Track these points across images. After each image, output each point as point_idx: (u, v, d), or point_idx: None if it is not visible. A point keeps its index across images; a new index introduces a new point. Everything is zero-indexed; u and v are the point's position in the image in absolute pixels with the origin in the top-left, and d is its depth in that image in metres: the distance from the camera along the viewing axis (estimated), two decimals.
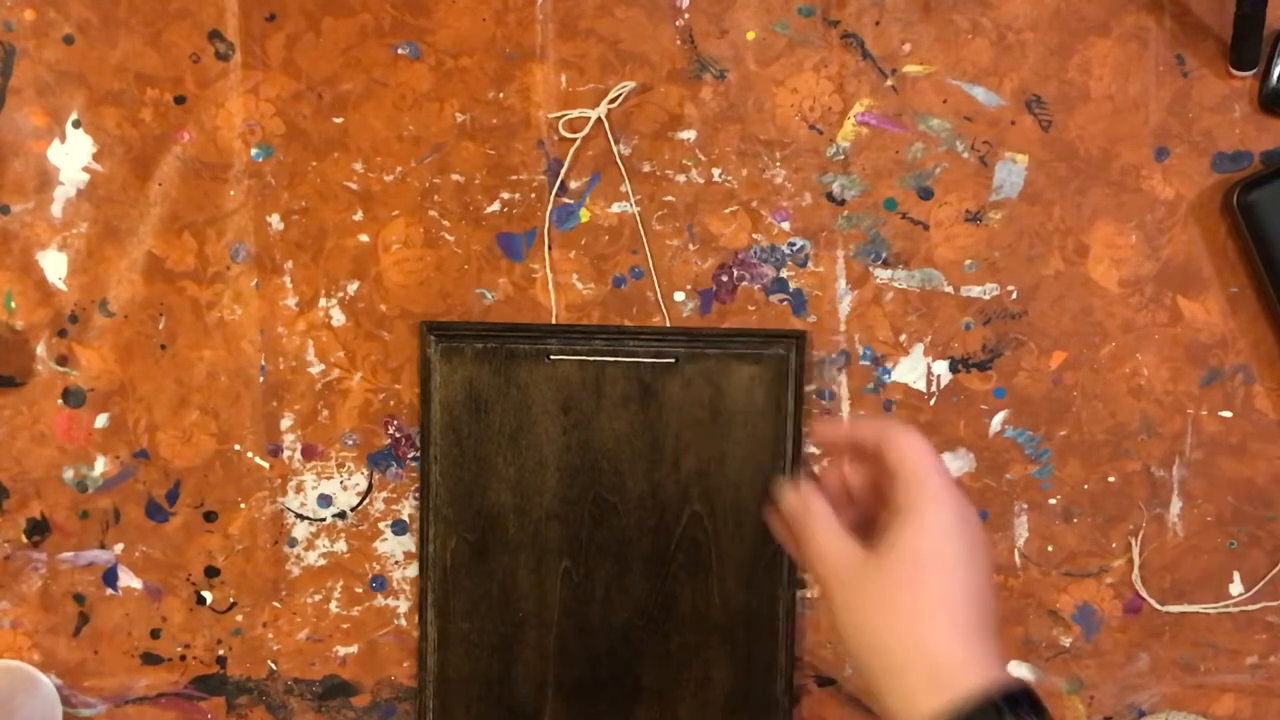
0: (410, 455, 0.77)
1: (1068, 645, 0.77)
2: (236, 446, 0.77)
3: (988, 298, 0.75)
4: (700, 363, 0.74)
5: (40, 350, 0.76)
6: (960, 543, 0.50)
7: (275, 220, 0.76)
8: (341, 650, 0.79)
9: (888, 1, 0.73)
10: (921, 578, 0.49)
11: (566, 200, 0.75)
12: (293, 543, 0.78)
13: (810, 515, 0.53)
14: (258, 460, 0.77)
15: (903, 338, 0.75)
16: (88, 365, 0.77)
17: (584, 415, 0.75)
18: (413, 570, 0.78)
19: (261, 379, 0.77)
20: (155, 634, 0.78)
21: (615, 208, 0.75)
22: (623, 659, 0.77)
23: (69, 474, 0.77)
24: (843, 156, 0.74)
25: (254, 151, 0.75)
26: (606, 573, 0.76)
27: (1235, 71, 0.72)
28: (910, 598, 0.49)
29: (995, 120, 0.74)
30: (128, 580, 0.78)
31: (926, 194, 0.74)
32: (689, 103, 0.74)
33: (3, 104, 0.75)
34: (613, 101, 0.74)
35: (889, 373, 0.75)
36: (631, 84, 0.74)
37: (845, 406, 0.76)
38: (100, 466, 0.77)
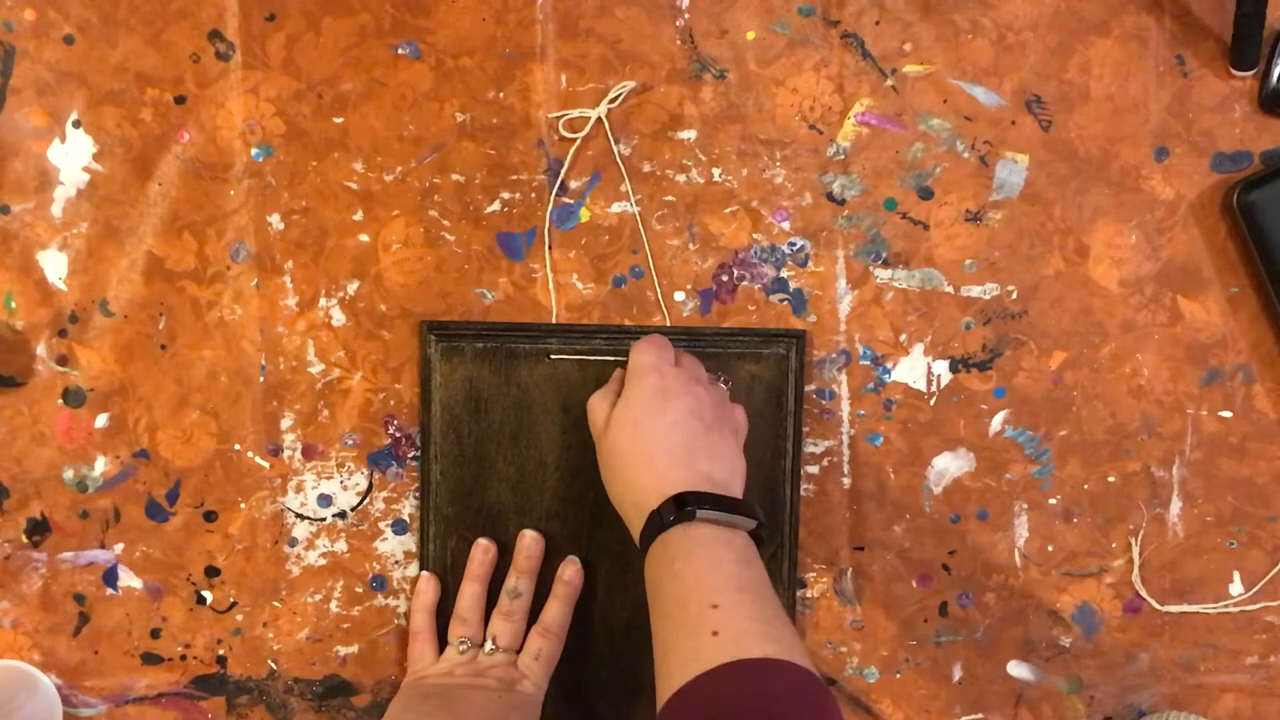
0: (410, 455, 0.77)
1: (1068, 645, 0.77)
2: (236, 446, 0.77)
3: (988, 298, 0.75)
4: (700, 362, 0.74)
5: (40, 350, 0.76)
6: (652, 405, 0.65)
7: (275, 220, 0.76)
8: (342, 650, 0.79)
9: (888, 1, 0.73)
10: (626, 440, 0.65)
11: (566, 200, 0.75)
12: (293, 542, 0.78)
13: (597, 394, 0.70)
14: (258, 460, 0.77)
15: (903, 337, 0.75)
16: (88, 365, 0.77)
17: (584, 415, 0.75)
18: (413, 570, 0.78)
19: (261, 379, 0.77)
20: (155, 634, 0.78)
21: (615, 207, 0.75)
22: (623, 659, 0.77)
23: (69, 474, 0.77)
24: (843, 156, 0.74)
25: (254, 151, 0.75)
26: (606, 573, 0.76)
27: (1235, 71, 0.72)
28: (619, 456, 0.66)
29: (995, 120, 0.74)
30: (128, 580, 0.78)
31: (926, 194, 0.74)
32: (689, 103, 0.74)
33: (3, 104, 0.75)
34: (613, 101, 0.74)
35: (889, 372, 0.75)
36: (631, 84, 0.74)
37: (845, 406, 0.76)
38: (100, 466, 0.77)
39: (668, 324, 0.75)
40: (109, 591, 0.78)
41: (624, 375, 0.70)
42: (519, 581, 0.74)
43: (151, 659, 0.79)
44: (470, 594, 0.74)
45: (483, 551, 0.74)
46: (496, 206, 0.76)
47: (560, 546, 0.75)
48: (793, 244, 0.75)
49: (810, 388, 0.76)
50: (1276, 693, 0.76)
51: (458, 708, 0.68)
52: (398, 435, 0.77)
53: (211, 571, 0.78)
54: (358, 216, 0.76)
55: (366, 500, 0.77)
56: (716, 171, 0.75)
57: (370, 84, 0.75)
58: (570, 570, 0.74)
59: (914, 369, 0.75)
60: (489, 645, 0.73)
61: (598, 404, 0.69)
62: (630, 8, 0.74)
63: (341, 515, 0.78)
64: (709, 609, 0.57)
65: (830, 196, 0.75)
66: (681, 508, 0.61)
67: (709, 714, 0.52)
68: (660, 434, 0.65)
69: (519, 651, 0.74)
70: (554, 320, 0.76)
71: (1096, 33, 0.73)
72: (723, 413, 0.68)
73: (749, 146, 0.75)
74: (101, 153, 0.75)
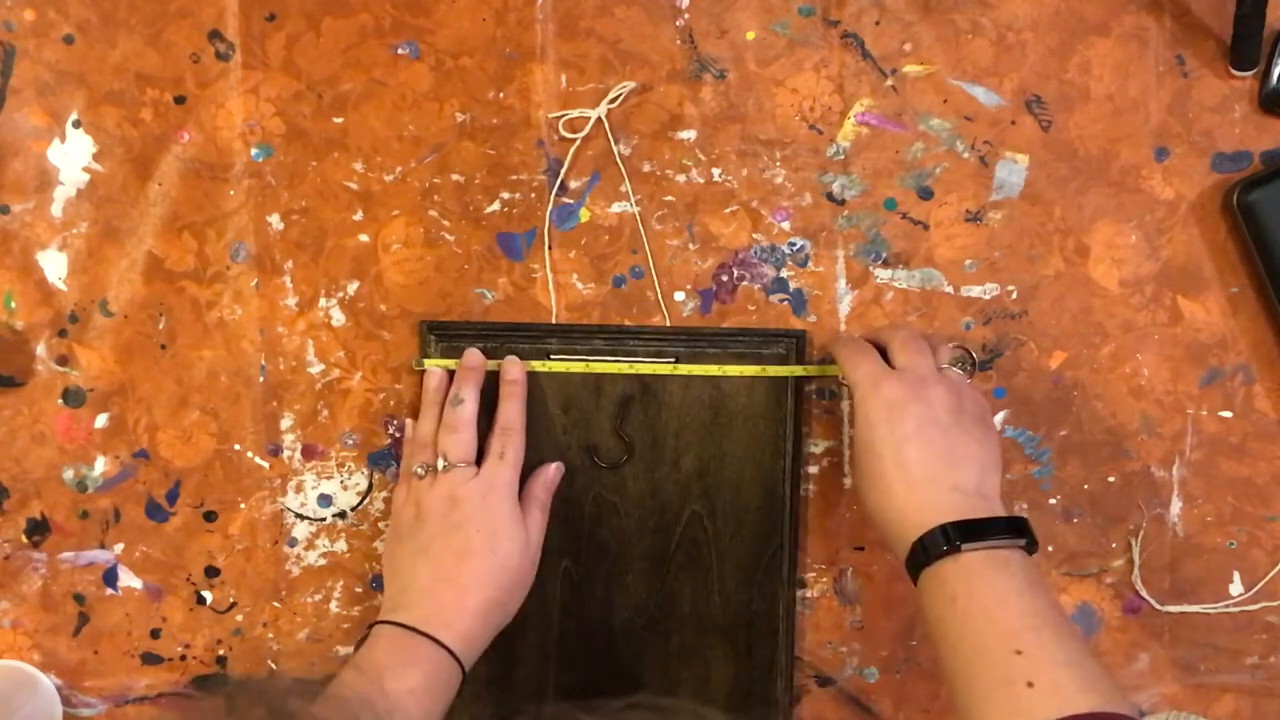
0: None
1: None
2: (236, 446, 0.77)
3: (988, 298, 0.75)
4: (700, 363, 0.74)
5: (40, 350, 0.76)
6: (880, 426, 0.64)
7: (275, 220, 0.76)
8: (342, 650, 0.79)
9: (888, 1, 0.73)
10: (866, 465, 0.65)
11: (566, 200, 0.75)
12: (293, 542, 0.78)
13: (851, 355, 0.69)
14: (258, 460, 0.77)
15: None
16: (88, 365, 0.77)
17: (584, 415, 0.75)
18: None
19: (261, 379, 0.77)
20: (155, 634, 0.78)
21: (615, 207, 0.75)
22: (623, 659, 0.77)
23: (69, 474, 0.77)
24: (843, 156, 0.74)
25: (254, 151, 0.75)
26: (606, 572, 0.76)
27: (1235, 71, 0.72)
28: (864, 480, 0.65)
29: (995, 120, 0.74)
30: (128, 580, 0.78)
31: (926, 194, 0.74)
32: (689, 103, 0.74)
33: (3, 104, 0.75)
34: (613, 101, 0.74)
35: None
36: (631, 84, 0.74)
37: (845, 407, 0.76)
38: (100, 466, 0.77)
39: (668, 324, 0.75)
40: (109, 591, 0.78)
41: (864, 359, 0.68)
42: (461, 391, 0.72)
43: (151, 659, 0.79)
44: (426, 419, 0.73)
45: (437, 379, 0.73)
46: (496, 206, 0.76)
47: (560, 547, 0.75)
48: (793, 244, 0.75)
49: (810, 388, 0.76)
50: (1276, 693, 0.76)
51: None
52: (398, 435, 0.77)
53: (211, 571, 0.78)
54: (358, 216, 0.76)
55: (366, 500, 0.77)
56: (716, 171, 0.75)
57: (370, 84, 0.75)
58: (514, 369, 0.73)
59: None
60: (441, 463, 0.70)
61: (860, 372, 0.67)
62: (630, 8, 0.74)
63: (341, 515, 0.78)
64: (1013, 655, 0.55)
65: (830, 196, 0.75)
66: (945, 538, 0.60)
67: None
68: (894, 455, 0.63)
69: (479, 465, 0.71)
70: (554, 320, 0.76)
71: (1096, 33, 0.73)
72: (959, 403, 0.65)
73: (749, 146, 0.75)
74: (101, 153, 0.75)
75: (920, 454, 0.63)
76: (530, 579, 0.71)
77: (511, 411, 0.72)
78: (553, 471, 0.74)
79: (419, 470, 0.71)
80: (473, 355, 0.73)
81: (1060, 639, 0.56)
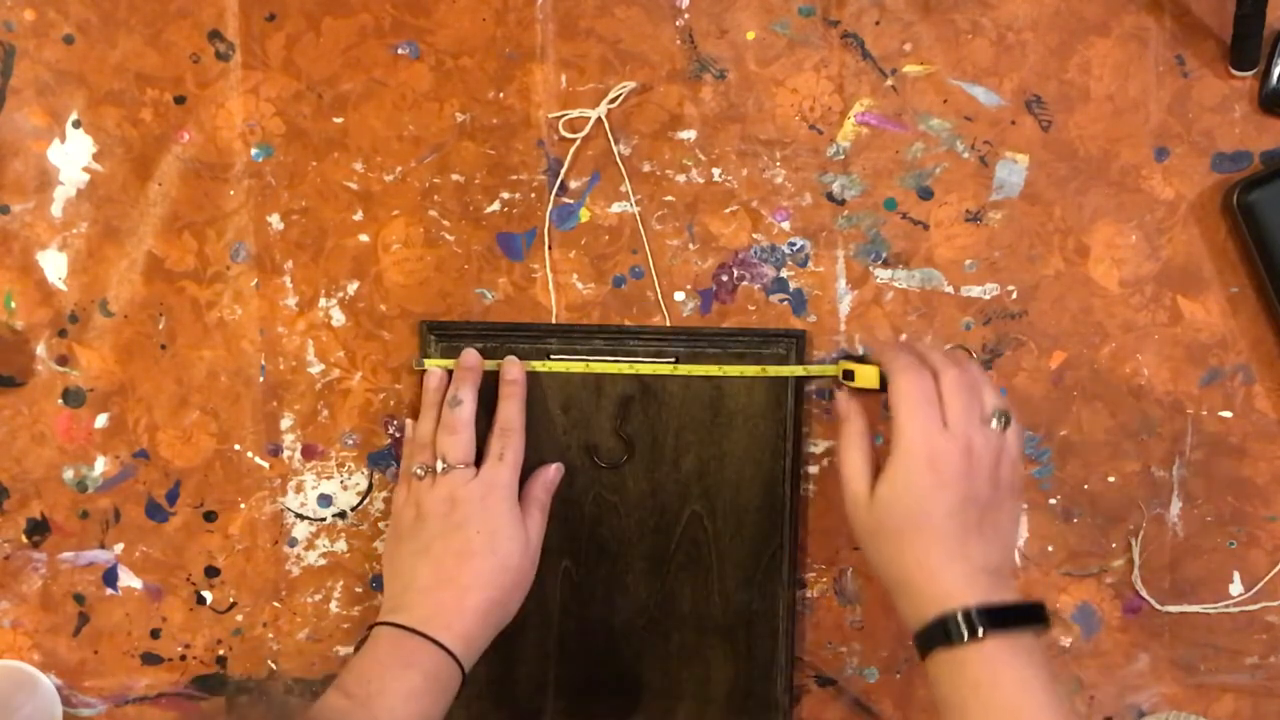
0: None
1: (1068, 645, 0.77)
2: (236, 446, 0.77)
3: (988, 298, 0.75)
4: (700, 363, 0.74)
5: (40, 350, 0.76)
6: (925, 495, 0.61)
7: (275, 220, 0.76)
8: (341, 650, 0.79)
9: (888, 1, 0.73)
10: (895, 529, 0.62)
11: (566, 200, 0.75)
12: (293, 542, 0.78)
13: (845, 428, 0.67)
14: (258, 460, 0.77)
15: (903, 337, 0.75)
16: (88, 365, 0.77)
17: (584, 415, 0.75)
18: None
19: (261, 379, 0.77)
20: (155, 634, 0.78)
21: (615, 208, 0.75)
22: (623, 659, 0.77)
23: (69, 474, 0.77)
24: (843, 156, 0.74)
25: (254, 151, 0.75)
26: (606, 572, 0.76)
27: (1235, 71, 0.72)
28: (889, 543, 0.63)
29: (995, 120, 0.74)
30: (128, 580, 0.78)
31: (926, 194, 0.74)
32: (689, 103, 0.74)
33: (3, 104, 0.75)
34: (613, 101, 0.74)
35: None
36: (631, 84, 0.74)
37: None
38: (100, 466, 0.77)
39: (668, 324, 0.75)
40: (109, 591, 0.78)
41: (858, 410, 0.67)
42: (459, 391, 0.71)
43: (151, 659, 0.79)
44: (426, 420, 0.73)
45: (436, 380, 0.73)
46: (496, 206, 0.76)
47: (560, 546, 0.75)
48: (793, 244, 0.75)
49: (810, 388, 0.76)
50: (1276, 693, 0.76)
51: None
52: (398, 435, 0.77)
53: (211, 571, 0.78)
54: (358, 216, 0.76)
55: (366, 500, 0.77)
56: (716, 171, 0.75)
57: (370, 84, 0.75)
58: (513, 369, 0.73)
59: None
60: (440, 465, 0.70)
61: (853, 459, 0.66)
62: (630, 8, 0.74)
63: (341, 515, 0.78)
64: None
65: (830, 196, 0.75)
66: (971, 622, 0.59)
67: None
68: (934, 528, 0.61)
69: (478, 465, 0.71)
70: (554, 320, 0.76)
71: (1096, 33, 0.73)
72: (999, 473, 0.63)
73: (749, 146, 0.75)
74: (101, 153, 0.75)
75: (957, 529, 0.61)
76: (530, 579, 0.70)
77: (511, 412, 0.72)
78: (552, 472, 0.74)
79: (418, 471, 0.71)
80: (470, 355, 0.73)
81: None
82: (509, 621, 0.70)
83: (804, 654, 0.77)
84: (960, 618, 0.59)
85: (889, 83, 0.74)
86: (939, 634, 0.60)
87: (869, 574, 0.76)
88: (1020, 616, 0.60)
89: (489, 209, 0.76)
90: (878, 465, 0.65)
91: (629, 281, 0.76)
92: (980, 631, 0.59)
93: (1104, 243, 0.74)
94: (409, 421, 0.75)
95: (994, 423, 0.64)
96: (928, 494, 0.62)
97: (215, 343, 0.76)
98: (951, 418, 0.63)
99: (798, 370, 0.74)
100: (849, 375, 0.72)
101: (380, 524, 0.78)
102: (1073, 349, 0.75)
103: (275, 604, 0.78)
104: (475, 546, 0.68)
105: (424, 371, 0.74)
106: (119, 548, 0.78)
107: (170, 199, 0.76)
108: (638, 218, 0.75)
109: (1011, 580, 0.64)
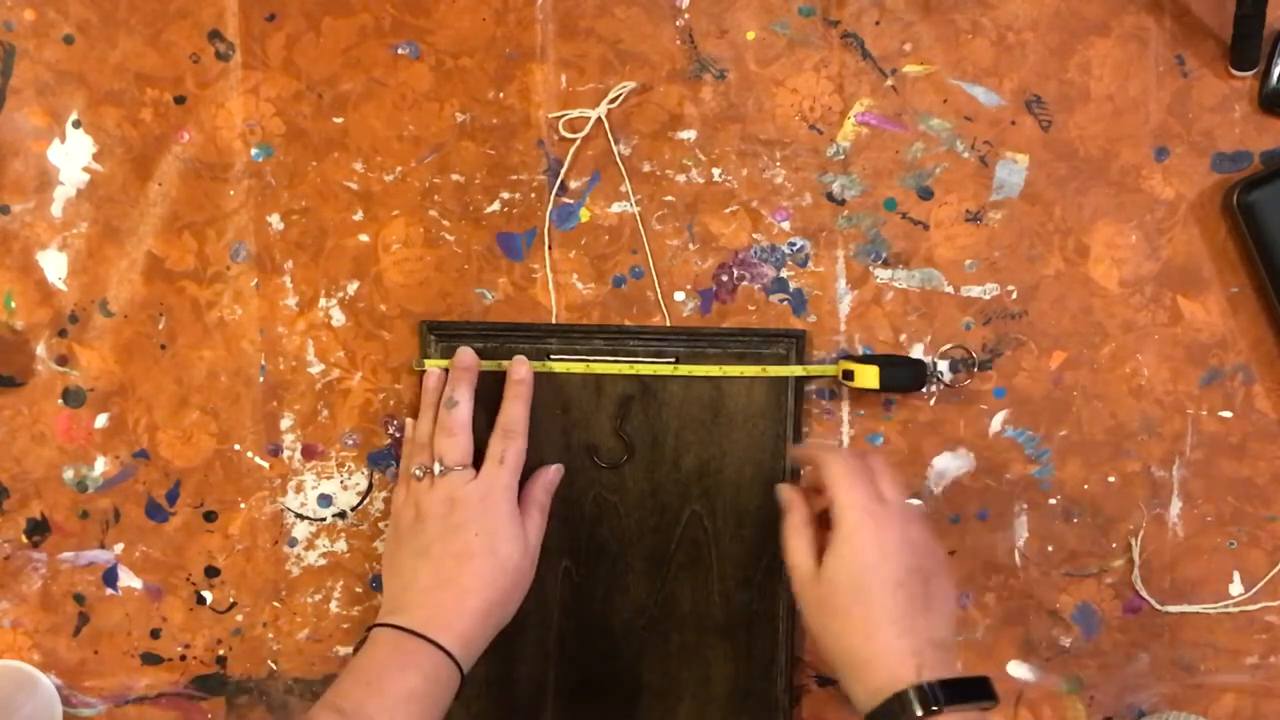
0: None
1: (1067, 645, 0.77)
2: (236, 446, 0.77)
3: (988, 298, 0.75)
4: (700, 363, 0.74)
5: (40, 350, 0.76)
6: (872, 565, 0.61)
7: (275, 220, 0.76)
8: (341, 650, 0.79)
9: (888, 1, 0.73)
10: (847, 601, 0.62)
11: (566, 200, 0.75)
12: (293, 542, 0.78)
13: (789, 517, 0.67)
14: (258, 460, 0.77)
15: (903, 337, 0.75)
16: (88, 365, 0.77)
17: (584, 415, 0.75)
18: None
19: (261, 379, 0.77)
20: (155, 634, 0.78)
21: (615, 208, 0.75)
22: (623, 659, 0.77)
23: (69, 474, 0.77)
24: (843, 156, 0.74)
25: (254, 151, 0.75)
26: (606, 572, 0.76)
27: (1235, 71, 0.72)
28: (836, 618, 0.62)
29: (995, 120, 0.74)
30: (128, 580, 0.78)
31: (926, 194, 0.74)
32: (689, 103, 0.74)
33: (3, 104, 0.75)
34: (613, 101, 0.74)
35: None
36: (631, 84, 0.74)
37: (845, 407, 0.76)
38: (100, 466, 0.77)
39: (668, 324, 0.75)
40: (109, 591, 0.78)
41: (800, 500, 0.67)
42: (455, 392, 0.71)
43: (151, 659, 0.79)
44: (424, 420, 0.72)
45: (435, 380, 0.73)
46: (496, 206, 0.76)
47: (560, 546, 0.75)
48: (793, 244, 0.75)
49: (810, 388, 0.76)
50: (1276, 693, 0.76)
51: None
52: (398, 435, 0.77)
53: (211, 571, 0.78)
54: (358, 216, 0.76)
55: (366, 500, 0.78)
56: (716, 171, 0.75)
57: (370, 84, 0.75)
58: (520, 369, 0.73)
59: None
60: (437, 467, 0.70)
61: (797, 546, 0.65)
62: (630, 8, 0.74)
63: (341, 515, 0.78)
64: None
65: (830, 196, 0.75)
66: (926, 698, 0.58)
67: None
68: (881, 600, 0.61)
69: (478, 466, 0.70)
70: (554, 320, 0.76)
71: (1096, 33, 0.73)
72: (934, 549, 0.64)
73: (749, 146, 0.75)
74: (101, 153, 0.75)
75: (905, 601, 0.61)
76: (529, 581, 0.70)
77: (515, 412, 0.72)
78: (552, 473, 0.74)
79: (417, 472, 0.71)
80: (465, 355, 0.73)
81: None
82: (508, 622, 0.70)
83: (804, 654, 0.77)
84: (914, 694, 0.58)
85: (889, 83, 0.74)
86: (895, 711, 0.59)
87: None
88: (972, 691, 0.60)
89: (489, 209, 0.76)
90: (822, 548, 0.64)
91: (629, 281, 0.76)
92: (937, 707, 0.58)
93: (1104, 243, 0.74)
94: (409, 421, 0.75)
95: (912, 500, 0.65)
96: (874, 564, 0.62)
97: (215, 343, 0.76)
98: (887, 493, 0.64)
99: (798, 370, 0.74)
100: (849, 375, 0.72)
101: (380, 524, 0.78)
102: (1073, 349, 0.75)
103: (275, 604, 0.78)
104: (475, 548, 0.68)
105: (424, 372, 0.74)
106: (119, 548, 0.78)
107: (170, 199, 0.76)
108: (638, 218, 0.75)
109: (957, 654, 0.63)
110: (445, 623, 0.66)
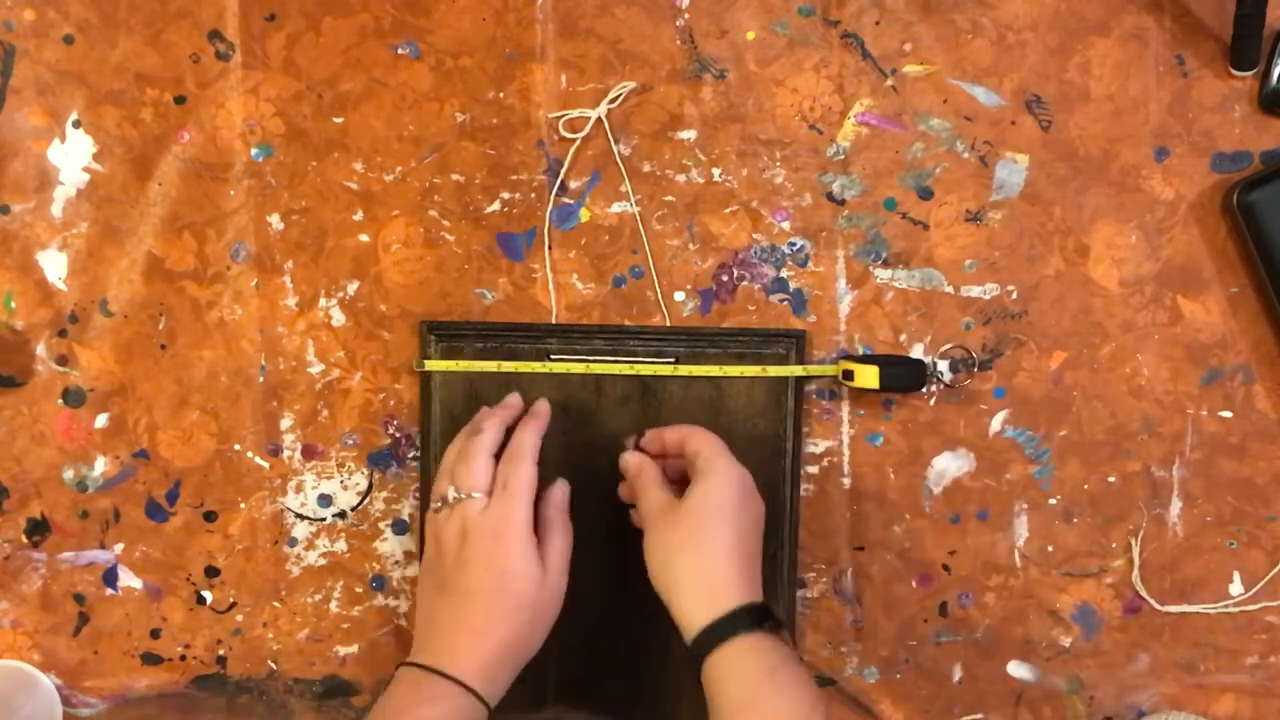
0: (410, 455, 0.77)
1: (1068, 645, 0.77)
2: (236, 446, 0.77)
3: (988, 298, 0.75)
4: (700, 363, 0.74)
5: (40, 350, 0.76)
6: (734, 500, 0.67)
7: (275, 220, 0.76)
8: (341, 650, 0.79)
9: (888, 1, 0.73)
10: (708, 524, 0.66)
11: (566, 200, 0.75)
12: (293, 542, 0.78)
13: (642, 474, 0.71)
14: (258, 460, 0.77)
15: (903, 337, 0.75)
16: (88, 365, 0.77)
17: (584, 415, 0.75)
18: (413, 570, 0.78)
19: (261, 379, 0.77)
20: (155, 634, 0.78)
21: (615, 208, 0.75)
22: (623, 659, 0.76)
23: (69, 474, 0.77)
24: (843, 156, 0.74)
25: (254, 151, 0.75)
26: (607, 572, 0.76)
27: (1235, 71, 0.72)
28: (699, 538, 0.66)
29: (995, 120, 0.74)
30: (128, 580, 0.78)
31: (926, 194, 0.74)
32: (689, 103, 0.74)
33: (3, 104, 0.75)
34: (613, 101, 0.74)
35: None
36: (631, 84, 0.74)
37: (845, 407, 0.76)
38: (100, 466, 0.77)
39: (668, 324, 0.75)
40: (109, 591, 0.78)
41: (647, 460, 0.71)
42: (484, 421, 0.70)
43: (151, 659, 0.79)
44: (451, 449, 0.71)
45: (483, 416, 0.72)
46: (496, 206, 0.76)
47: None
48: (793, 244, 0.75)
49: (810, 388, 0.76)
50: (1276, 693, 0.76)
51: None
52: (397, 435, 0.77)
53: (211, 571, 0.78)
54: (358, 216, 0.76)
55: (366, 500, 0.78)
56: (716, 171, 0.75)
57: (370, 84, 0.75)
58: (542, 405, 0.73)
59: None
60: (451, 493, 0.68)
61: (654, 490, 0.69)
62: (630, 8, 0.74)
63: (341, 515, 0.78)
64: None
65: (830, 196, 0.75)
66: (771, 614, 0.65)
67: None
68: (738, 530, 0.67)
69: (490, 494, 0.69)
70: (554, 320, 0.76)
71: (1096, 33, 0.73)
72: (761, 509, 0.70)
73: (749, 146, 0.75)
74: (101, 153, 0.75)
75: (754, 543, 0.68)
76: (554, 609, 0.69)
77: (523, 438, 0.70)
78: (558, 491, 0.71)
79: (435, 505, 0.70)
80: (513, 397, 0.74)
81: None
82: (536, 652, 0.68)
83: (804, 654, 0.77)
84: (765, 608, 0.65)
85: (889, 83, 0.74)
86: (742, 622, 0.64)
87: (869, 574, 0.76)
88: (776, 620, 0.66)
89: (489, 209, 0.76)
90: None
91: (629, 281, 0.76)
92: (778, 624, 0.65)
93: (1104, 243, 0.74)
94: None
95: None
96: (738, 501, 0.67)
97: (215, 343, 0.76)
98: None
99: (798, 370, 0.74)
100: (849, 375, 0.72)
101: (380, 524, 0.78)
102: (1073, 349, 0.75)
103: (275, 604, 0.78)
104: (485, 585, 0.66)
105: (424, 372, 0.74)
106: (119, 548, 0.78)
107: (170, 199, 0.76)
108: (638, 218, 0.75)
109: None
110: (463, 659, 0.65)
